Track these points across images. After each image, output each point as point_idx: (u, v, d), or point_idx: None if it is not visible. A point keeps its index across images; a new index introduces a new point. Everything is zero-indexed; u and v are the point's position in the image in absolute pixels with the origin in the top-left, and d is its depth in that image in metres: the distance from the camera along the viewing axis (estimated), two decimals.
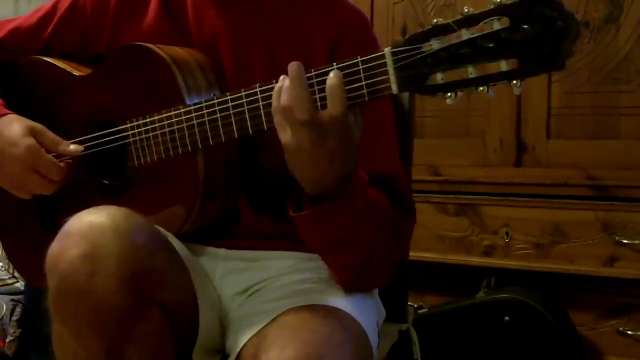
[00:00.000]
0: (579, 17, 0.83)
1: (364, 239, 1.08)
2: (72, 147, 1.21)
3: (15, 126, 1.20)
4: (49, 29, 1.32)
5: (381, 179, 1.14)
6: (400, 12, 2.34)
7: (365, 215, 1.06)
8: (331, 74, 0.96)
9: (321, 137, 0.97)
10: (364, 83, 0.95)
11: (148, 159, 1.16)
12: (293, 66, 0.98)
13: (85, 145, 1.22)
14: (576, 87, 2.08)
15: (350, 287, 1.15)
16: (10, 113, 1.24)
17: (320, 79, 0.98)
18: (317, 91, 0.98)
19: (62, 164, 1.20)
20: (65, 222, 0.98)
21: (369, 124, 1.03)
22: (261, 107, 1.03)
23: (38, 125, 1.21)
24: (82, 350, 0.97)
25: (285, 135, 0.99)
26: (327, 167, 0.99)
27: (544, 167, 2.11)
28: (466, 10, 0.85)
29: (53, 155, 1.20)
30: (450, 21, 0.86)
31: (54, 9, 1.33)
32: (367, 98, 0.96)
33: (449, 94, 0.89)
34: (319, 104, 0.97)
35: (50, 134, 1.21)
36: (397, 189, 1.17)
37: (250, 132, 1.06)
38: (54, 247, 0.96)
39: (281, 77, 1.00)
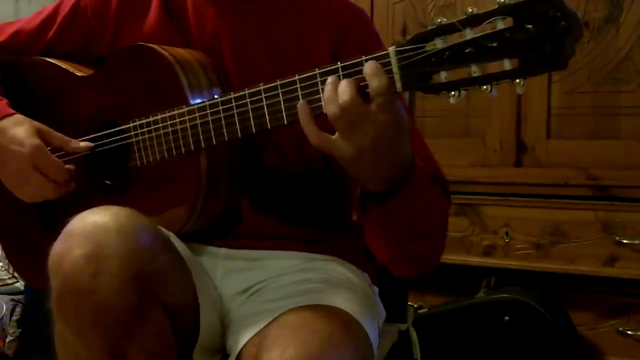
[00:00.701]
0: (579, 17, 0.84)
1: (433, 222, 1.07)
2: (83, 143, 1.21)
3: (21, 126, 1.20)
4: (51, 32, 1.32)
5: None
6: (400, 12, 2.34)
7: (431, 200, 1.06)
8: (366, 65, 0.93)
9: (383, 127, 0.93)
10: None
11: (150, 159, 1.15)
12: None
13: None
14: (576, 87, 2.09)
15: (413, 272, 1.14)
16: (15, 113, 1.23)
17: (338, 74, 0.96)
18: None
19: (66, 167, 1.19)
20: (67, 222, 0.98)
21: None
22: (265, 106, 1.03)
23: (44, 127, 1.21)
24: (85, 350, 0.97)
25: (353, 138, 0.94)
26: (390, 157, 0.96)
27: (544, 167, 2.11)
28: (470, 10, 0.85)
29: (61, 155, 1.20)
30: (454, 21, 0.86)
31: (55, 12, 1.33)
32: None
33: (452, 93, 0.89)
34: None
35: (57, 134, 1.21)
36: (438, 172, 1.14)
37: (254, 131, 1.05)
38: (57, 247, 0.96)
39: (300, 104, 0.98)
